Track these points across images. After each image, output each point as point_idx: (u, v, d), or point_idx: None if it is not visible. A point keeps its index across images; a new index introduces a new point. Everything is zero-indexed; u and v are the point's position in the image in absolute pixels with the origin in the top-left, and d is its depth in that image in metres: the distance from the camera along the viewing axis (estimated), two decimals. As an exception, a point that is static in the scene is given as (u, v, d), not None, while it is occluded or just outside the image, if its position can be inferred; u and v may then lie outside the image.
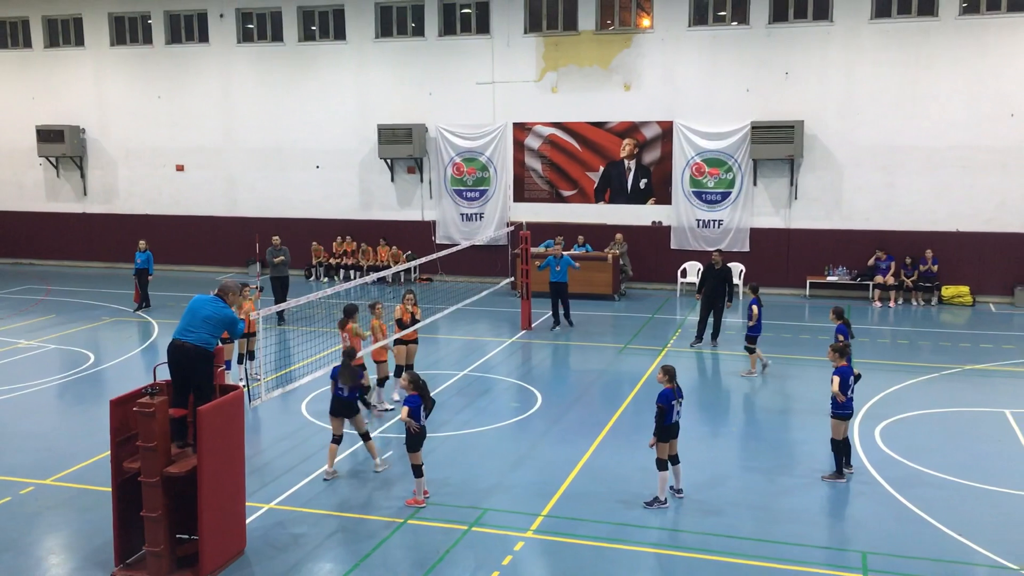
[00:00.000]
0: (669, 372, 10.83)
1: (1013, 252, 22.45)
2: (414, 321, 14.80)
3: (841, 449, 11.53)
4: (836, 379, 11.26)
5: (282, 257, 20.97)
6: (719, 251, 18.98)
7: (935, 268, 22.52)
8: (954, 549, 9.68)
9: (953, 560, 9.43)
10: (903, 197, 23.02)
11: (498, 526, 10.29)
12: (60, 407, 15.30)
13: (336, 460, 11.80)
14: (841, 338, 14.05)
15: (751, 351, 16.40)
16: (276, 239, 21.54)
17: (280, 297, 20.49)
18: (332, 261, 26.95)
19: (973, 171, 22.46)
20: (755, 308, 16.18)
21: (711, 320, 18.41)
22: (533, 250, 20.71)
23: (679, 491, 11.01)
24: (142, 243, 22.84)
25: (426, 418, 10.84)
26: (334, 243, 27.05)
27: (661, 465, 10.74)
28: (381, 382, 14.56)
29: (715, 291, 18.08)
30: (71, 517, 10.68)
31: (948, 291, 22.62)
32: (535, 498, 11.04)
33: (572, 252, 23.72)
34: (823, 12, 23.12)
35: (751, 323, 16.21)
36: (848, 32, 22.86)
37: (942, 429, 13.63)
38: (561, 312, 20.15)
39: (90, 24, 28.95)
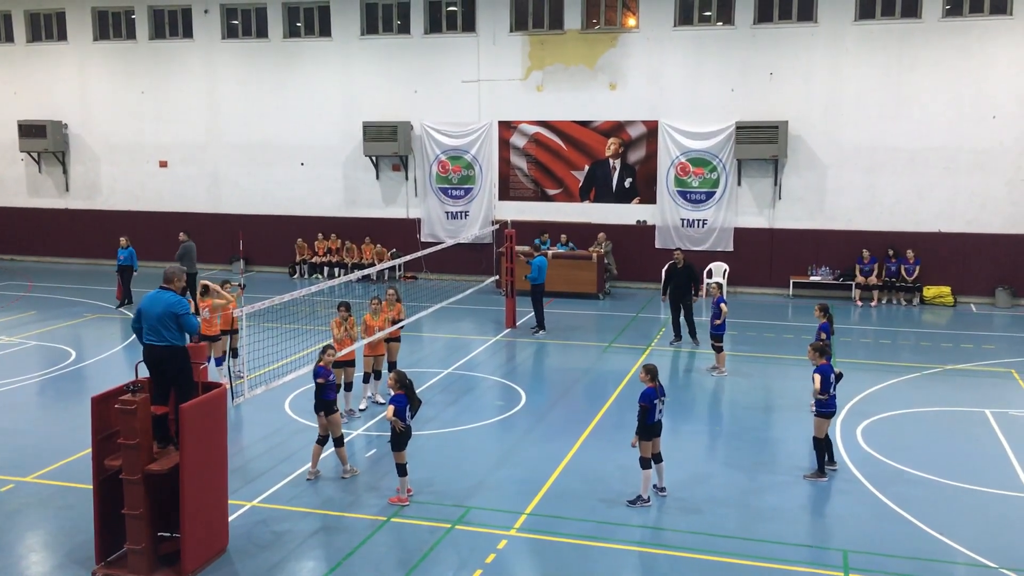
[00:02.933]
0: (651, 371, 10.86)
1: (994, 253, 22.61)
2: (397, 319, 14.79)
3: (823, 447, 11.60)
4: (817, 377, 11.33)
5: (179, 251, 20.75)
6: (680, 250, 19.26)
7: (917, 269, 22.69)
8: (934, 547, 9.76)
9: (933, 558, 9.51)
10: (886, 198, 23.15)
11: (481, 524, 10.29)
12: (41, 404, 15.19)
13: (319, 459, 11.74)
14: (824, 336, 14.15)
15: (719, 349, 16.52)
16: (181, 235, 21.41)
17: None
18: (316, 259, 26.87)
19: (955, 172, 22.62)
20: (724, 306, 16.39)
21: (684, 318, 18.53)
22: (523, 248, 20.68)
23: (662, 489, 11.05)
24: (123, 239, 22.72)
25: (412, 417, 10.83)
26: (316, 240, 26.98)
27: (644, 464, 10.77)
28: (366, 377, 14.55)
29: (680, 290, 18.22)
30: (52, 515, 10.61)
31: (930, 291, 22.75)
32: (519, 496, 11.05)
33: (555, 250, 23.77)
34: (807, 13, 23.22)
35: (717, 321, 16.36)
36: (832, 33, 22.97)
37: (923, 428, 13.73)
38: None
39: (73, 19, 28.73)
